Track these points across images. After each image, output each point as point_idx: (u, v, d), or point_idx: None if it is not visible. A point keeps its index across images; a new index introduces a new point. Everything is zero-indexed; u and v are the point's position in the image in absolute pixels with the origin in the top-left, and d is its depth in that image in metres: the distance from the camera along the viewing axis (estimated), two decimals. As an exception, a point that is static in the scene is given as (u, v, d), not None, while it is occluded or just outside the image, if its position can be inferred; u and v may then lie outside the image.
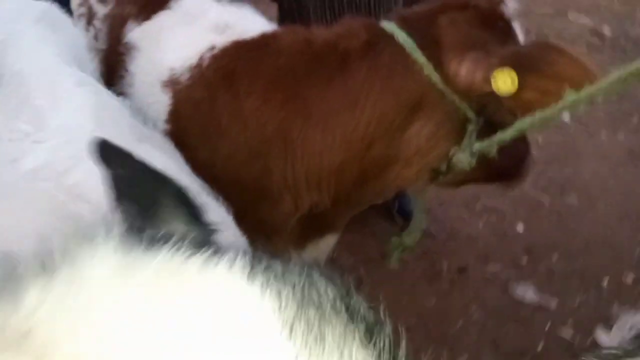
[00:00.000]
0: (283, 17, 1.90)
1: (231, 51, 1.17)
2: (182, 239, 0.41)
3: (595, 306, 2.13)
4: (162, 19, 1.30)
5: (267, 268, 0.41)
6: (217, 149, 1.13)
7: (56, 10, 1.17)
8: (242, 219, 0.96)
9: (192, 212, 0.53)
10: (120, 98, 1.11)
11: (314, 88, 1.09)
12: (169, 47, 1.23)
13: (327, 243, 1.40)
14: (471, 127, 1.05)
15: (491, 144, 1.04)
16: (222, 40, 1.19)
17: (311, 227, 1.28)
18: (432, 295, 2.19)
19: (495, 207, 2.68)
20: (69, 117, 0.79)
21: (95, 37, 1.56)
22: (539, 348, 1.96)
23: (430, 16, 1.07)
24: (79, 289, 0.37)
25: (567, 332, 2.02)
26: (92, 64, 1.20)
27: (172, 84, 1.19)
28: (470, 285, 2.24)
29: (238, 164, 1.13)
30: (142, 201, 0.51)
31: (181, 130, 1.15)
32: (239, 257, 0.41)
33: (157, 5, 1.33)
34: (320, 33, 1.16)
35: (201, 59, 1.17)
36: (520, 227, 2.58)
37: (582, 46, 4.74)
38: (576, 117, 3.56)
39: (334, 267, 1.95)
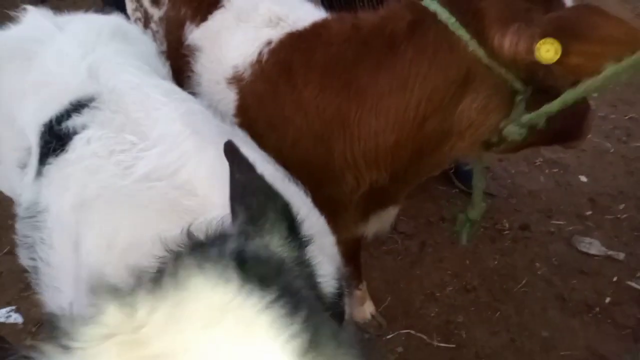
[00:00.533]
0: (329, 6, 1.91)
1: (286, 44, 1.23)
2: (270, 281, 0.49)
3: (667, 255, 2.09)
4: (218, 18, 1.38)
5: (317, 356, 0.46)
6: (283, 137, 1.22)
7: (125, 22, 1.28)
8: (312, 200, 1.05)
9: (291, 226, 0.62)
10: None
11: (365, 73, 1.14)
12: (230, 45, 1.31)
13: (389, 215, 1.47)
14: (519, 98, 1.06)
15: (539, 116, 1.05)
16: (277, 33, 1.25)
17: (374, 201, 1.35)
18: (495, 254, 2.22)
19: (556, 158, 2.63)
20: (166, 127, 0.91)
21: (154, 40, 1.67)
22: (607, 300, 1.97)
23: None
24: (181, 315, 0.47)
25: (636, 283, 2.01)
26: (165, 68, 1.31)
27: (236, 80, 1.27)
28: (534, 241, 2.25)
29: (303, 148, 1.21)
30: (253, 210, 0.60)
31: (249, 122, 1.23)
32: (300, 334, 0.46)
33: (210, 5, 1.41)
34: (367, 18, 1.19)
35: (260, 54, 1.24)
36: (584, 178, 2.53)
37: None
38: None
39: (394, 233, 2.02)
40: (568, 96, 1.00)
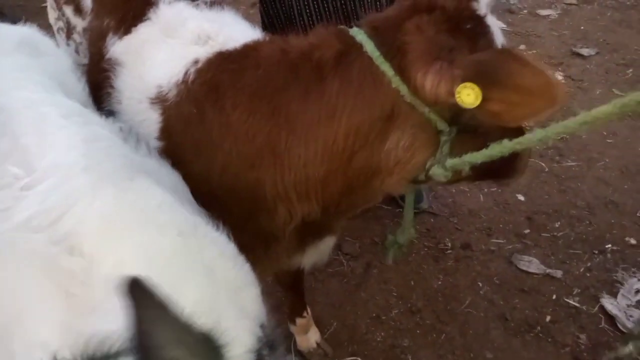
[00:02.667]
0: (269, 23, 1.86)
1: (214, 64, 1.15)
2: None
3: (600, 272, 2.15)
4: (143, 31, 1.27)
5: None
6: (211, 163, 1.12)
7: (36, 34, 1.15)
8: (242, 230, 0.96)
9: None
10: (110, 118, 1.09)
11: (294, 100, 1.08)
12: (154, 62, 1.20)
13: (326, 245, 1.39)
14: (444, 139, 1.03)
15: (462, 163, 1.01)
16: (205, 52, 1.17)
17: (309, 232, 1.27)
18: (438, 274, 2.21)
19: (495, 177, 2.69)
20: (58, 156, 0.76)
21: (77, 51, 1.54)
22: (547, 319, 1.99)
23: (397, 22, 1.02)
24: None
25: (574, 301, 2.05)
26: (80, 84, 1.17)
27: (160, 101, 1.16)
28: (476, 260, 2.26)
29: (233, 175, 1.12)
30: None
31: (174, 146, 1.13)
32: None
33: (136, 16, 1.29)
34: (296, 42, 1.13)
35: (186, 74, 1.15)
36: (521, 196, 2.59)
37: None
38: (569, 73, 3.53)
39: (339, 254, 1.97)
40: (493, 151, 0.95)
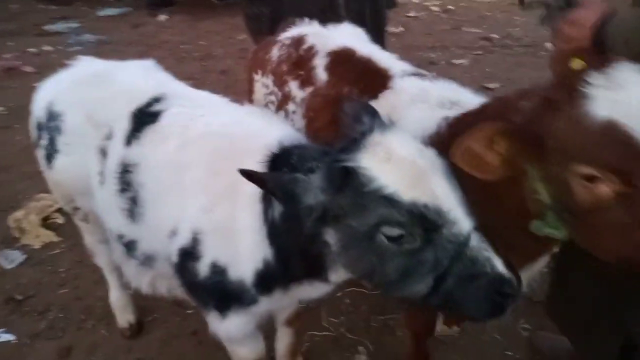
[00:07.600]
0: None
1: (460, 119, 1.47)
2: None
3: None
4: (390, 97, 1.64)
5: None
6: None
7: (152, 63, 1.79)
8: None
9: None
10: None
11: None
12: (408, 120, 1.51)
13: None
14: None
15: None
16: (452, 113, 1.50)
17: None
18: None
19: None
20: (221, 107, 1.52)
21: (287, 118, 1.96)
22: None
23: None
24: None
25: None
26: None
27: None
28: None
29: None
30: None
31: None
32: None
33: (379, 86, 1.68)
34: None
35: (439, 126, 1.48)
36: None
37: (477, 50, 5.79)
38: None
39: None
40: None
